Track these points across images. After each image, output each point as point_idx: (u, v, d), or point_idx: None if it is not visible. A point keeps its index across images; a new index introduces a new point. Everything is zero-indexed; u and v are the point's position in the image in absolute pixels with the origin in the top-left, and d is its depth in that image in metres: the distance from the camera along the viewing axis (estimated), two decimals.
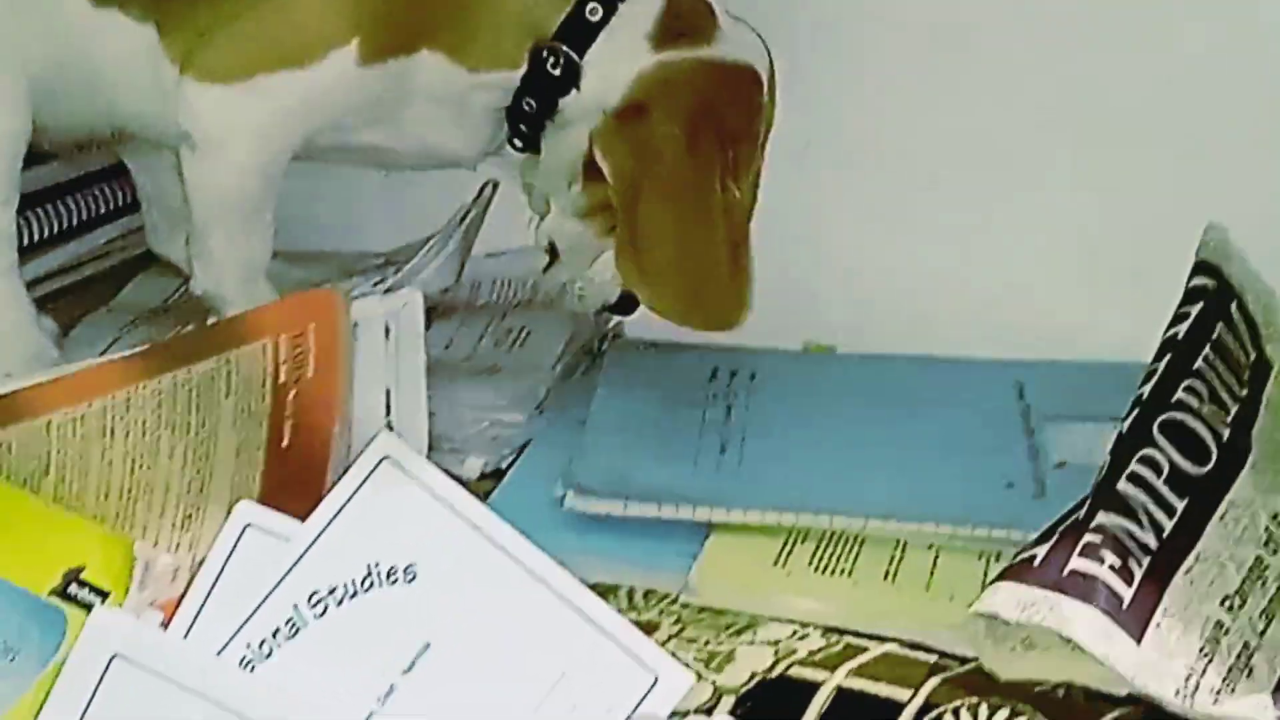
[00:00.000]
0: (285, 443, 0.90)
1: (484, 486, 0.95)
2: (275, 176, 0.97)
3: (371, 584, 0.79)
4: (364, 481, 0.82)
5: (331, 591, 0.79)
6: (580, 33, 0.94)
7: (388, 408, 0.94)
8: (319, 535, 0.80)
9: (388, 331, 0.96)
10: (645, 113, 0.93)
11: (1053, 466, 0.92)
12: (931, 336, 1.08)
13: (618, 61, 0.94)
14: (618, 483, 0.88)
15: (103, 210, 1.21)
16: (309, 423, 0.90)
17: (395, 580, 0.79)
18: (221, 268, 0.99)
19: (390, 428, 0.93)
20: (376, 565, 0.79)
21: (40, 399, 0.93)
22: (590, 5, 0.94)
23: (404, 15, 0.94)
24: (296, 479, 0.87)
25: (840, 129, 1.08)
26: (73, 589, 0.80)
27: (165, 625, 0.79)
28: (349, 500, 0.81)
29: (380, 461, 0.82)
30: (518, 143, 0.99)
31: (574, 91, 0.95)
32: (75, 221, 1.20)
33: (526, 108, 0.96)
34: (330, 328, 0.94)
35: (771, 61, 0.97)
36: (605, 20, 0.94)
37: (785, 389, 1.02)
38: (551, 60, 0.94)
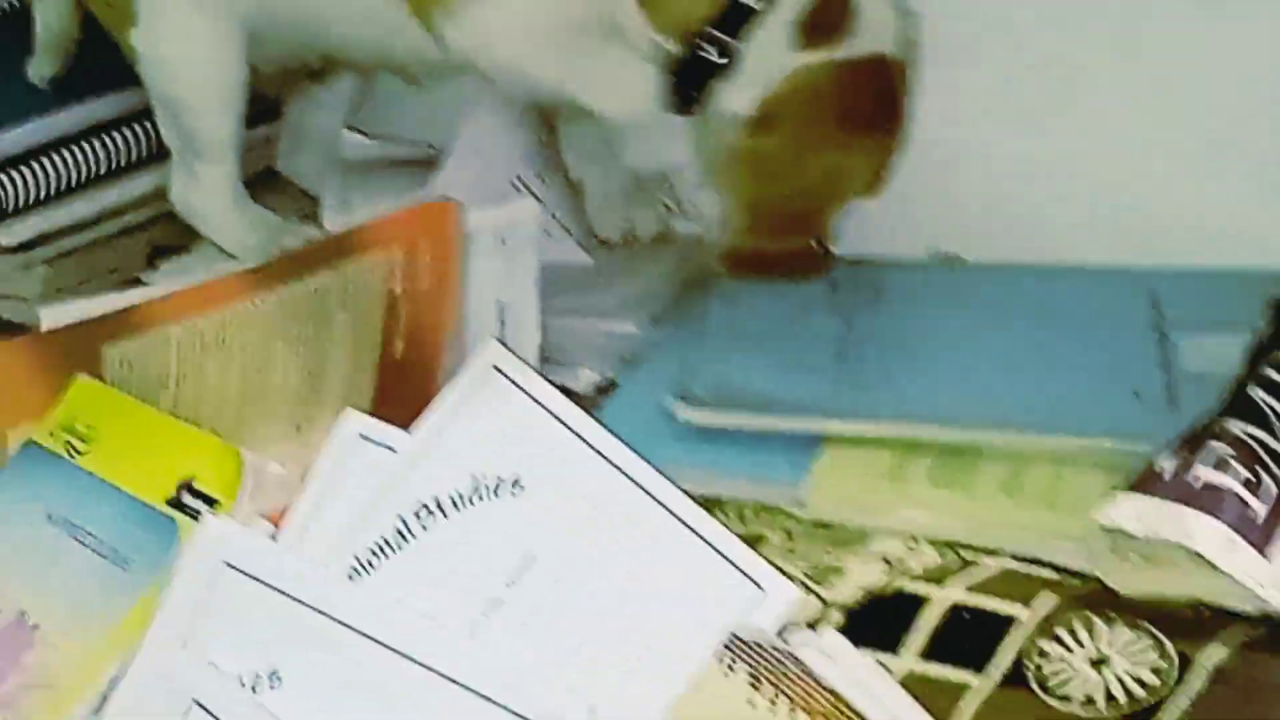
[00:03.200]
0: (398, 354, 0.89)
1: (598, 399, 0.93)
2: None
3: (478, 496, 0.78)
4: (471, 393, 0.81)
5: (438, 503, 0.78)
6: (738, 22, 0.91)
7: (500, 320, 0.93)
8: (426, 446, 0.80)
9: (502, 242, 0.95)
10: (769, 129, 0.92)
11: (1186, 377, 0.88)
12: (1064, 243, 1.03)
13: (761, 61, 0.91)
14: (729, 394, 0.87)
15: None
16: (421, 335, 0.89)
17: (501, 492, 0.78)
18: None
19: (501, 340, 0.92)
20: (483, 477, 0.78)
21: (160, 312, 0.94)
22: None
23: None
24: (408, 390, 0.87)
25: (967, 17, 1.02)
26: (185, 498, 0.81)
27: (274, 535, 0.80)
28: (456, 411, 0.81)
29: (488, 372, 0.81)
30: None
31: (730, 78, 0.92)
32: None
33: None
34: (444, 240, 0.93)
35: (910, 26, 0.94)
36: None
37: (907, 300, 0.98)
38: (711, 48, 0.92)
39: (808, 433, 0.84)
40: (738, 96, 0.92)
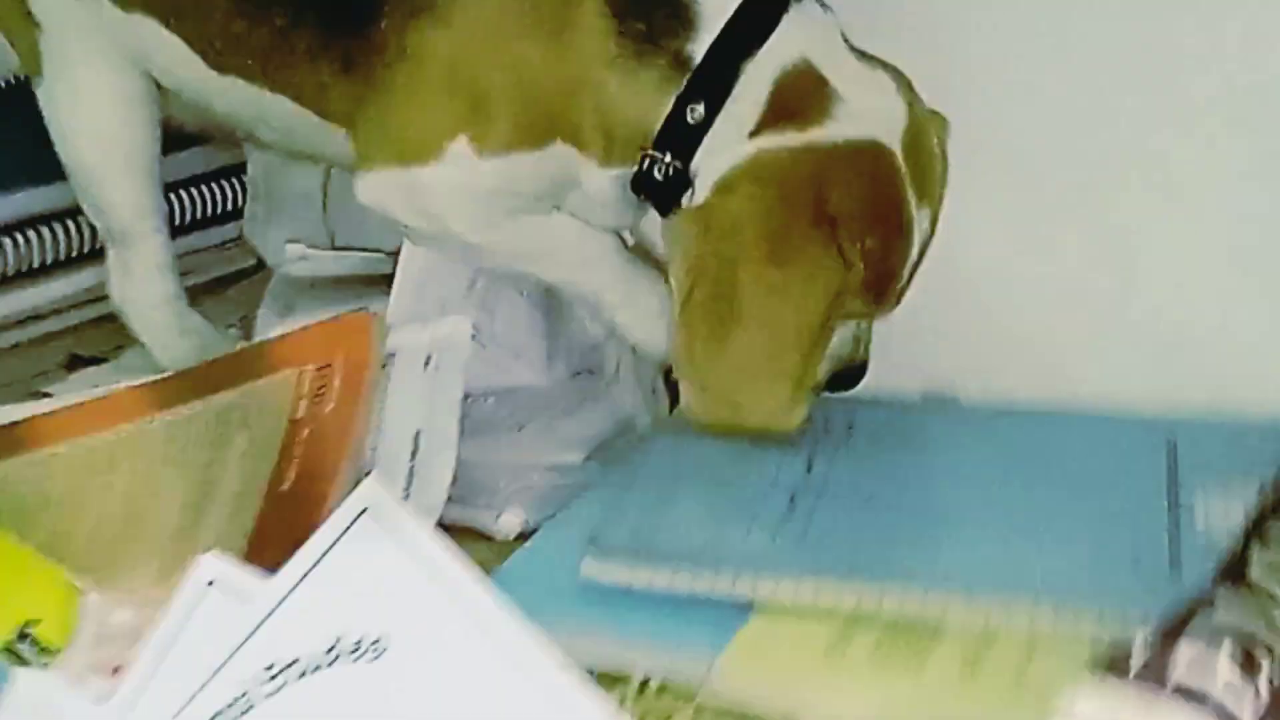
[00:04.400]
0: (286, 485, 0.79)
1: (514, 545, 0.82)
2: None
3: (336, 659, 0.67)
4: (339, 538, 0.70)
5: (291, 666, 0.67)
6: (683, 137, 0.83)
7: (414, 449, 0.82)
8: (282, 600, 0.69)
9: (428, 363, 0.85)
10: (727, 193, 0.82)
11: (1195, 538, 0.75)
12: (1073, 384, 0.91)
13: (716, 159, 0.83)
14: (649, 546, 0.74)
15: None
16: (314, 465, 0.80)
17: (361, 657, 0.67)
18: None
19: (412, 473, 0.81)
20: (342, 639, 0.67)
21: (49, 429, 0.86)
22: (691, 106, 0.82)
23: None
24: (291, 526, 0.76)
25: (968, 132, 0.90)
26: (21, 644, 0.71)
27: (110, 693, 0.69)
28: (321, 560, 0.70)
29: (360, 514, 0.70)
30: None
31: (689, 194, 0.84)
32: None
33: (649, 206, 0.87)
34: (360, 357, 0.83)
35: (918, 120, 0.84)
36: (709, 122, 0.82)
37: (885, 443, 0.86)
38: (657, 167, 0.83)
39: (733, 596, 0.72)
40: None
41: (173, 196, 1.10)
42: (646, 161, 0.83)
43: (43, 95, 0.96)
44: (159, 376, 0.88)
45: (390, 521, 0.70)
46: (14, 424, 0.87)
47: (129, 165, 0.95)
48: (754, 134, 0.82)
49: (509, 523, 0.84)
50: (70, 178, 0.98)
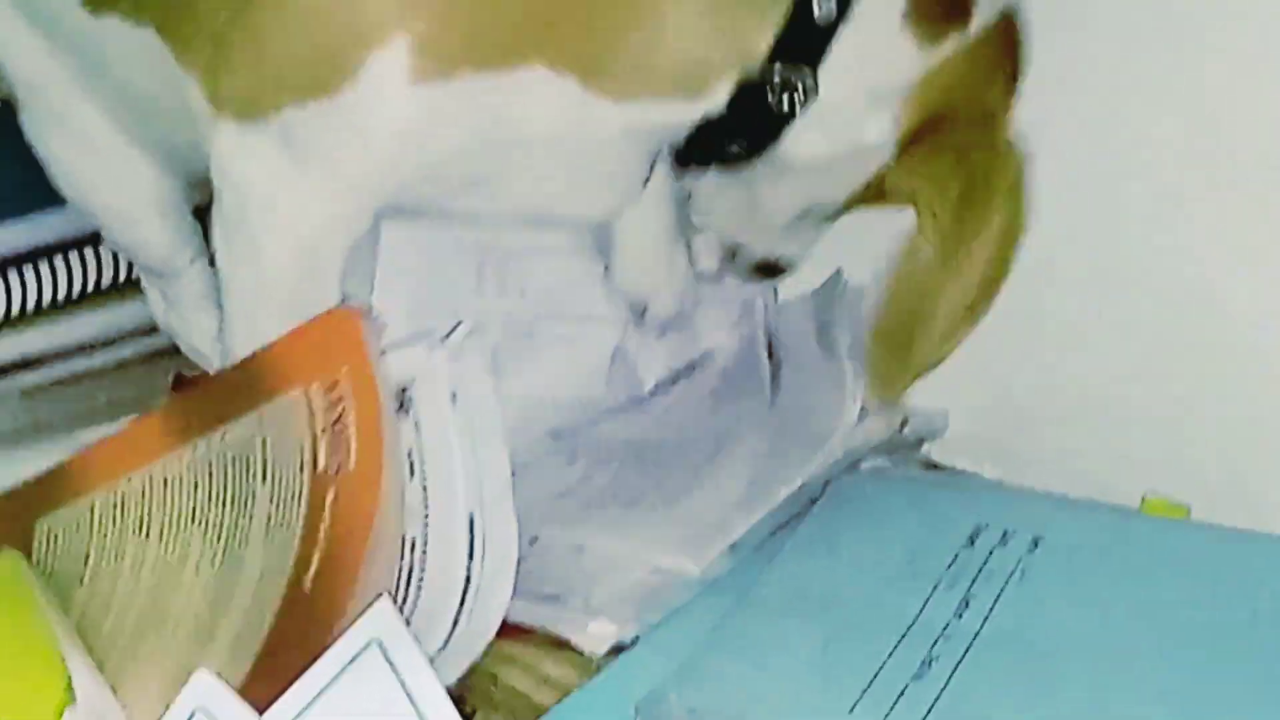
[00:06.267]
0: (308, 583, 0.65)
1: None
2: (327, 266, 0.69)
3: None
4: (340, 672, 0.57)
5: None
6: (808, 42, 0.66)
7: (470, 535, 0.67)
8: None
9: (454, 400, 0.68)
10: (947, 124, 0.68)
11: None
12: None
13: (865, 68, 0.67)
14: (720, 713, 0.58)
15: None
16: (338, 555, 0.65)
17: None
18: None
19: (468, 580, 0.66)
20: None
21: (88, 472, 0.75)
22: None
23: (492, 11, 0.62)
24: (306, 636, 0.62)
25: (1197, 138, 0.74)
26: None
27: None
28: (317, 697, 0.57)
29: (366, 648, 0.57)
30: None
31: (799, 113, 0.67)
32: None
33: (734, 150, 0.69)
34: (363, 371, 0.67)
35: None
36: (842, 15, 0.65)
37: (1077, 575, 0.67)
38: (782, 88, 0.66)
39: None
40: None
41: None
42: (773, 76, 0.65)
43: (29, 128, 0.80)
44: (168, 401, 0.76)
45: (400, 660, 0.56)
46: (54, 469, 0.76)
47: (152, 203, 0.81)
48: (917, 33, 0.66)
49: (601, 632, 0.68)
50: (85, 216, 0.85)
